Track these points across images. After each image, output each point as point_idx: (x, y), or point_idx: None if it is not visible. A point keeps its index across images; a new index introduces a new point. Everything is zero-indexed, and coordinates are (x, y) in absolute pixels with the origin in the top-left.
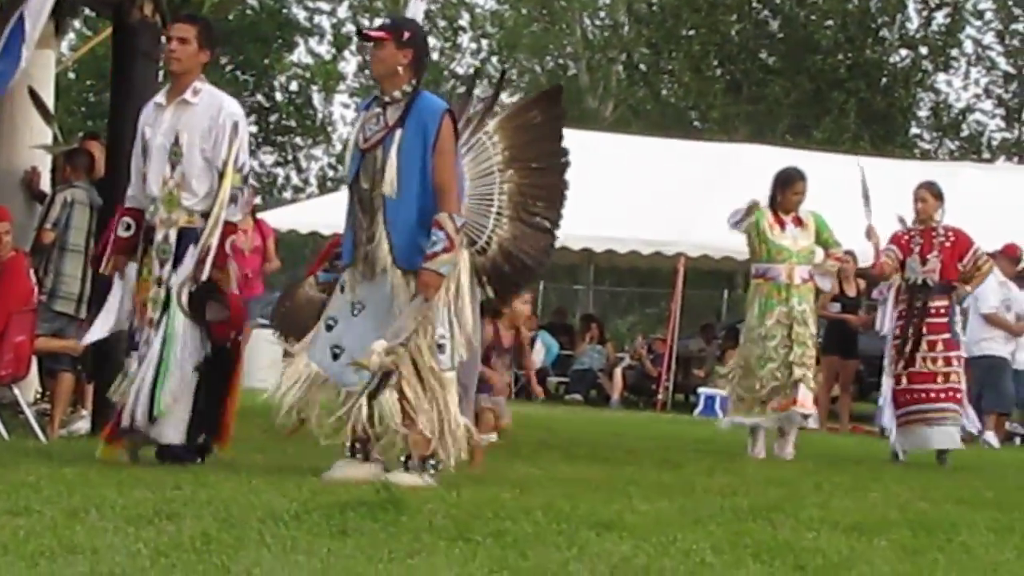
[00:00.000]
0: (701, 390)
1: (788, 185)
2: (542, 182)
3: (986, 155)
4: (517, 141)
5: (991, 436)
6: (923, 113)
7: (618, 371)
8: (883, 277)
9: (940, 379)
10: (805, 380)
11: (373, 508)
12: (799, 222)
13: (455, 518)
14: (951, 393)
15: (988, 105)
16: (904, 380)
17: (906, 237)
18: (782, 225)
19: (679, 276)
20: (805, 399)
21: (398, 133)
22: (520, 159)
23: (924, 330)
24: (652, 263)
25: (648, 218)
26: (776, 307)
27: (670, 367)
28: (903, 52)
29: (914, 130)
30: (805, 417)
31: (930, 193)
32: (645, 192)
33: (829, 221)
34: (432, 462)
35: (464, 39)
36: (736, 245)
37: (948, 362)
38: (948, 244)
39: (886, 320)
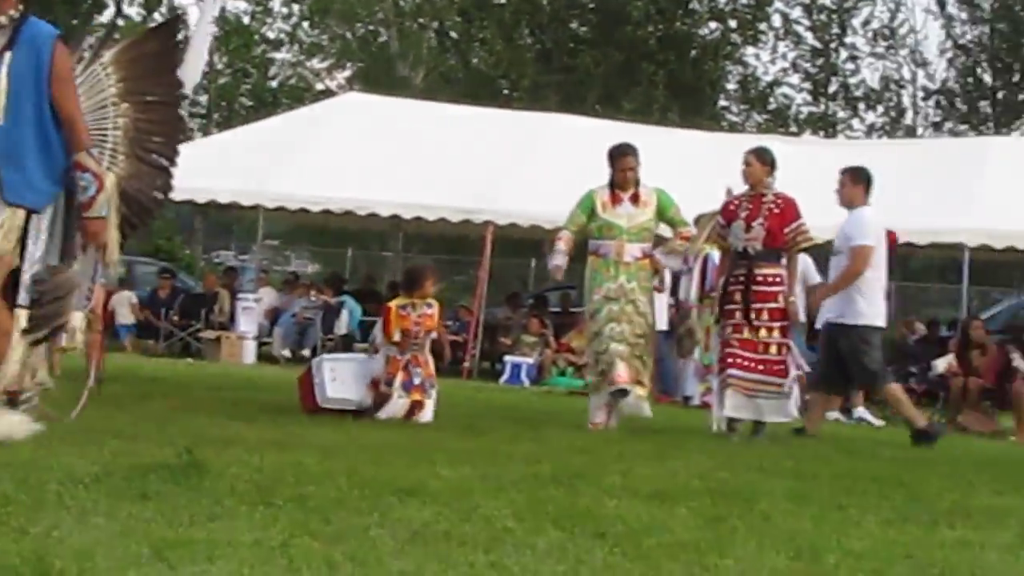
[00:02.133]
0: (507, 358)
1: (616, 160)
2: (158, 117)
3: (793, 128)
4: (132, 73)
5: (864, 411)
6: (731, 86)
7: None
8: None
9: (762, 348)
10: (622, 356)
11: (175, 471)
12: (637, 199)
13: (257, 483)
14: (774, 365)
15: (795, 79)
16: (735, 345)
17: (735, 203)
18: (617, 202)
19: (487, 244)
20: (620, 375)
21: (7, 56)
22: (135, 92)
23: (751, 298)
24: (461, 231)
25: (457, 186)
26: (604, 283)
27: (477, 335)
28: (712, 25)
29: (722, 103)
30: (624, 393)
31: (756, 158)
32: (455, 160)
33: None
34: (25, 397)
35: (275, 3)
36: (544, 214)
37: (771, 332)
38: (776, 211)
39: (691, 289)
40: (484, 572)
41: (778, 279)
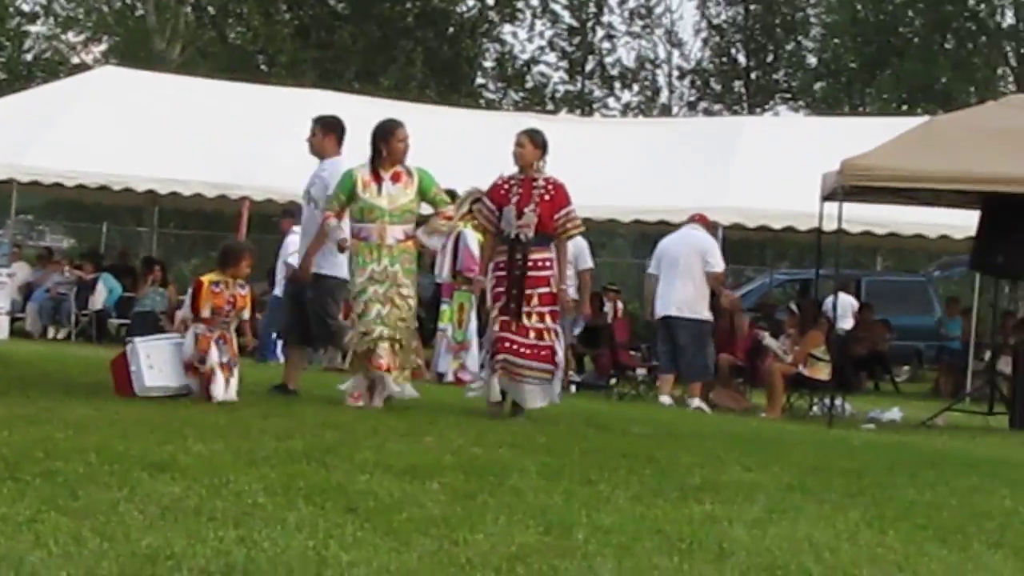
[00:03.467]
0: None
1: (389, 135)
2: None
3: (550, 107)
4: None
5: (698, 402)
6: (489, 64)
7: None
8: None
9: (533, 334)
10: (384, 340)
11: None
12: (399, 178)
13: (4, 457)
14: (542, 351)
15: (552, 58)
16: (508, 330)
17: (505, 186)
18: (379, 182)
19: (243, 219)
20: (381, 361)
21: None
22: None
23: (524, 283)
24: (218, 206)
25: (214, 161)
26: (368, 265)
27: None
28: (470, 2)
29: (480, 80)
30: (382, 380)
31: (529, 140)
32: (211, 136)
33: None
34: None
35: None
36: (297, 189)
37: (541, 318)
38: (547, 198)
39: (444, 267)
40: (233, 547)
41: (548, 263)
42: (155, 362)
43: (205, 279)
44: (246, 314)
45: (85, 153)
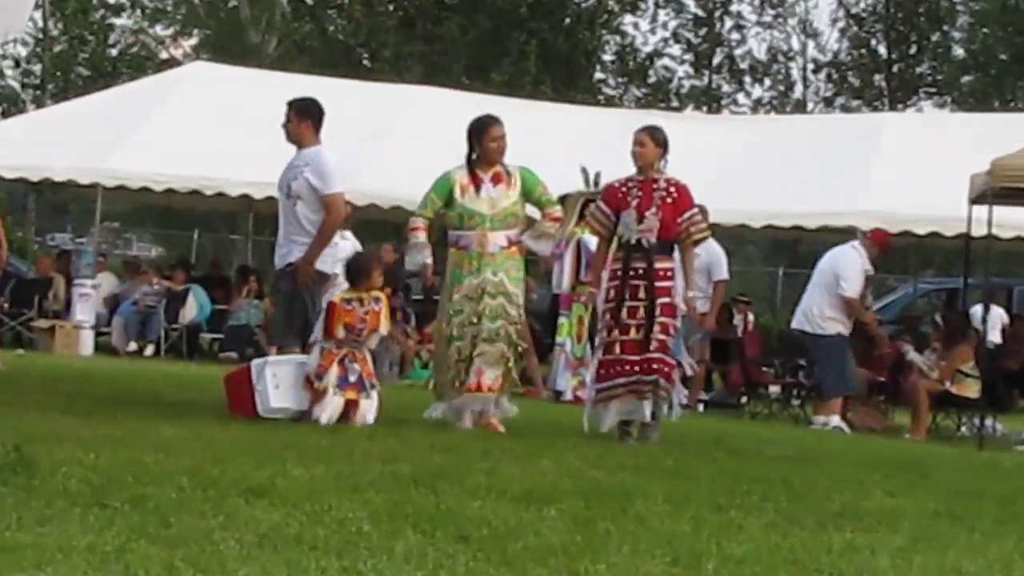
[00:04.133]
0: None
1: (483, 133)
2: None
3: (674, 103)
4: None
5: (837, 420)
6: (608, 57)
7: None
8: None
9: (652, 347)
10: (486, 356)
11: (2, 471)
12: (500, 179)
13: (91, 482)
14: (657, 364)
15: (676, 50)
16: (617, 348)
17: (623, 189)
18: (477, 186)
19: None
20: (480, 380)
21: None
22: None
23: (652, 294)
24: None
25: None
26: (464, 279)
27: None
28: None
29: (599, 75)
30: (495, 402)
31: (650, 138)
32: None
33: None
34: None
35: None
36: (407, 194)
37: (665, 329)
38: (670, 200)
39: (564, 277)
40: None
41: (670, 272)
42: (282, 382)
43: (336, 298)
44: (384, 329)
45: (174, 155)
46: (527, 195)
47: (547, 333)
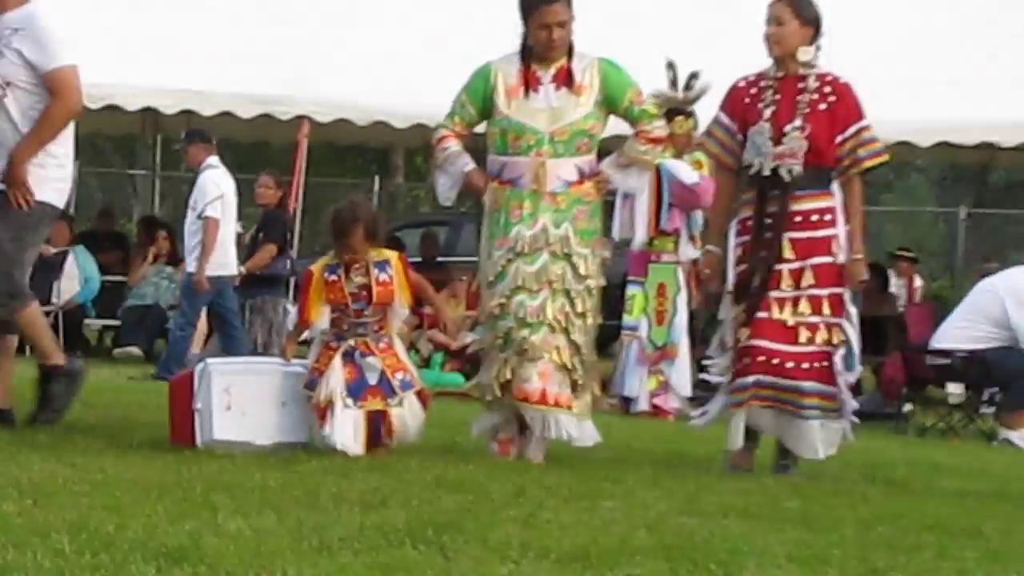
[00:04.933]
0: None
1: (531, 12)
2: None
3: None
4: None
5: (1017, 437)
6: None
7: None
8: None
9: (803, 336)
10: (541, 351)
11: None
12: (567, 79)
13: None
14: (817, 361)
15: None
16: (749, 334)
17: (752, 91)
18: (532, 88)
19: (300, 154)
20: (532, 386)
21: None
22: None
23: (792, 251)
24: (256, 133)
25: (249, 63)
26: (511, 228)
27: None
28: None
29: None
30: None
31: (792, 12)
32: (243, 25)
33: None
34: None
35: None
36: (392, 103)
37: (817, 307)
38: (824, 107)
39: (635, 225)
40: None
41: (828, 217)
42: (237, 399)
43: (315, 268)
44: (402, 304)
45: None
46: (610, 103)
47: (607, 312)
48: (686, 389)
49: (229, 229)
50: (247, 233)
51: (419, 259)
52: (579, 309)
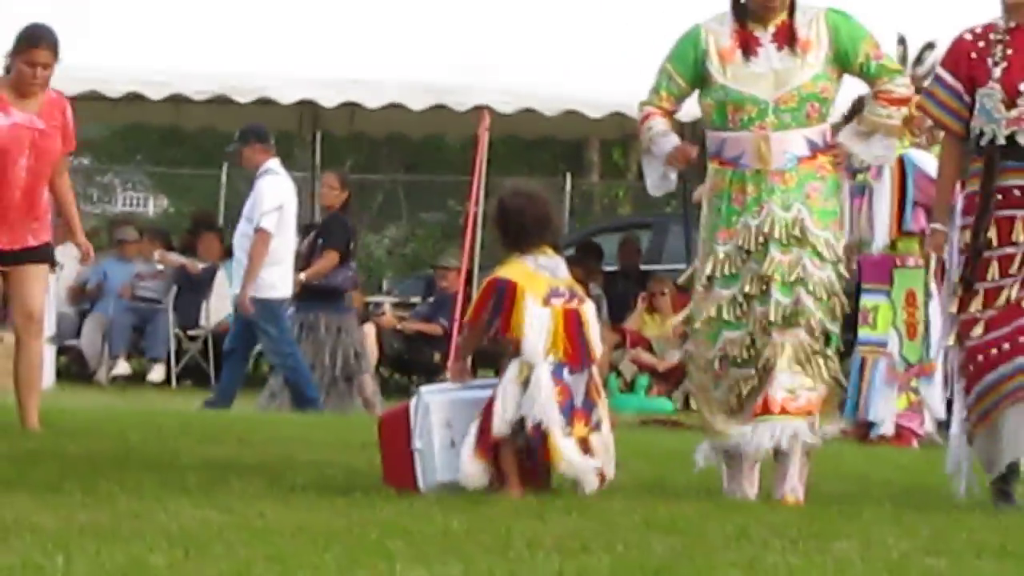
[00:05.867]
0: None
1: None
2: None
3: None
4: None
5: None
6: None
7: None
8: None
9: None
10: (785, 355)
11: None
12: (790, 35)
13: None
14: None
15: None
16: (982, 329)
17: (979, 45)
18: (750, 50)
19: (480, 150)
20: (774, 396)
21: None
22: None
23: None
24: (429, 127)
25: (420, 51)
26: (733, 219)
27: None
28: None
29: None
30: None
31: None
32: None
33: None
34: None
35: None
36: (583, 91)
37: None
38: None
39: (875, 224)
40: None
41: None
42: (459, 431)
43: (509, 274)
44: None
45: (155, 39)
46: (842, 59)
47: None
48: (941, 412)
49: (287, 245)
50: (303, 240)
51: (616, 267)
52: (821, 301)
